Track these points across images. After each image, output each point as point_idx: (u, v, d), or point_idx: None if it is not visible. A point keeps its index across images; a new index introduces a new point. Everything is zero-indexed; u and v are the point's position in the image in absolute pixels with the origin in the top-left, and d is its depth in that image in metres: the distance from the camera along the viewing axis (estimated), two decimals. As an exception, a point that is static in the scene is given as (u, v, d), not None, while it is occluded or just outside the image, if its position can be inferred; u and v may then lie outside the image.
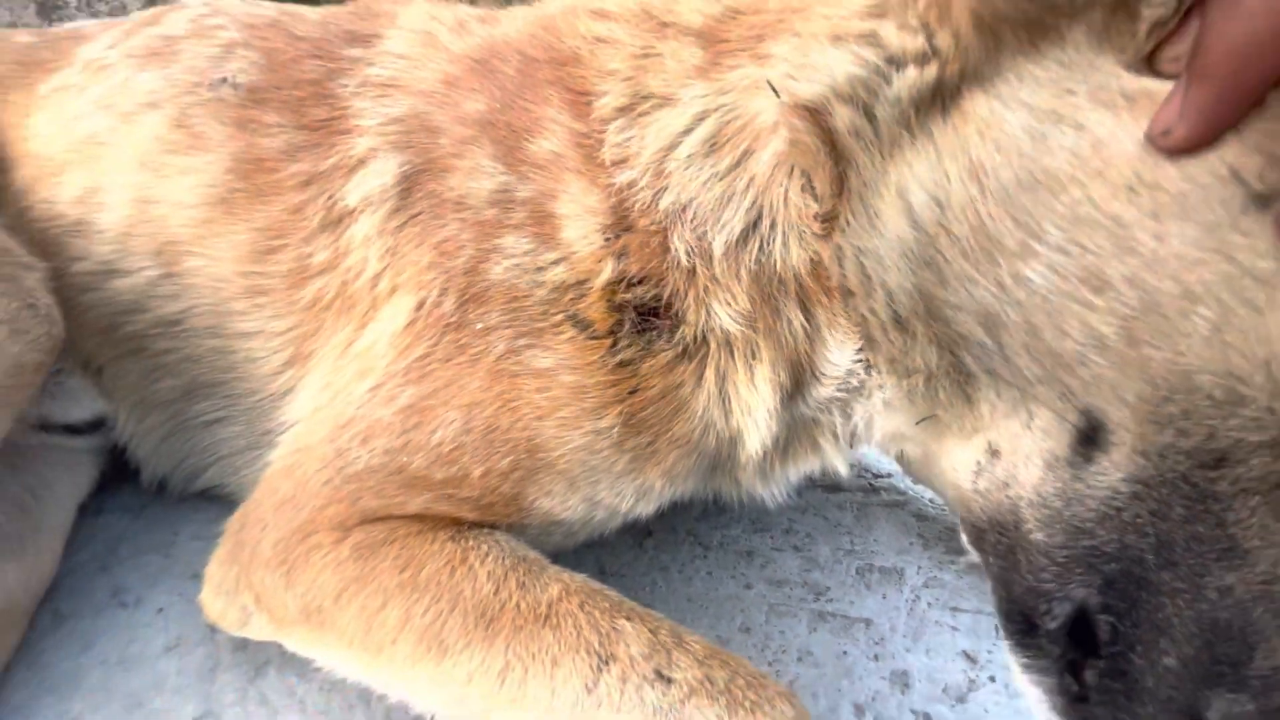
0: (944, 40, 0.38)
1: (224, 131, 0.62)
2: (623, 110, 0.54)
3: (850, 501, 0.86)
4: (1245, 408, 0.30)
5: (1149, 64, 0.33)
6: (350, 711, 0.55)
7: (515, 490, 0.54)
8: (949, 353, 0.42)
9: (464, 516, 0.54)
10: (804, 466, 0.61)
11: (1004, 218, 0.35)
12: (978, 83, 0.37)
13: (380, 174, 0.59)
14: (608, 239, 0.52)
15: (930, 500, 0.85)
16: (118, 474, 0.70)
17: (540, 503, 0.55)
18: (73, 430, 0.65)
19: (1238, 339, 0.30)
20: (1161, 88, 0.32)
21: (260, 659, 0.57)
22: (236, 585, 0.54)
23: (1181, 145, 0.31)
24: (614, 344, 0.52)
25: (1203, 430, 0.32)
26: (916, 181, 0.39)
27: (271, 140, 0.62)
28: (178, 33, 0.69)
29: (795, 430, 0.57)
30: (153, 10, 0.74)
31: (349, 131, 0.61)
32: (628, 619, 0.49)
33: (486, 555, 0.51)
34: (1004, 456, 0.41)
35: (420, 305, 0.55)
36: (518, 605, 0.48)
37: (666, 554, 0.74)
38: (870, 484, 0.89)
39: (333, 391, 0.58)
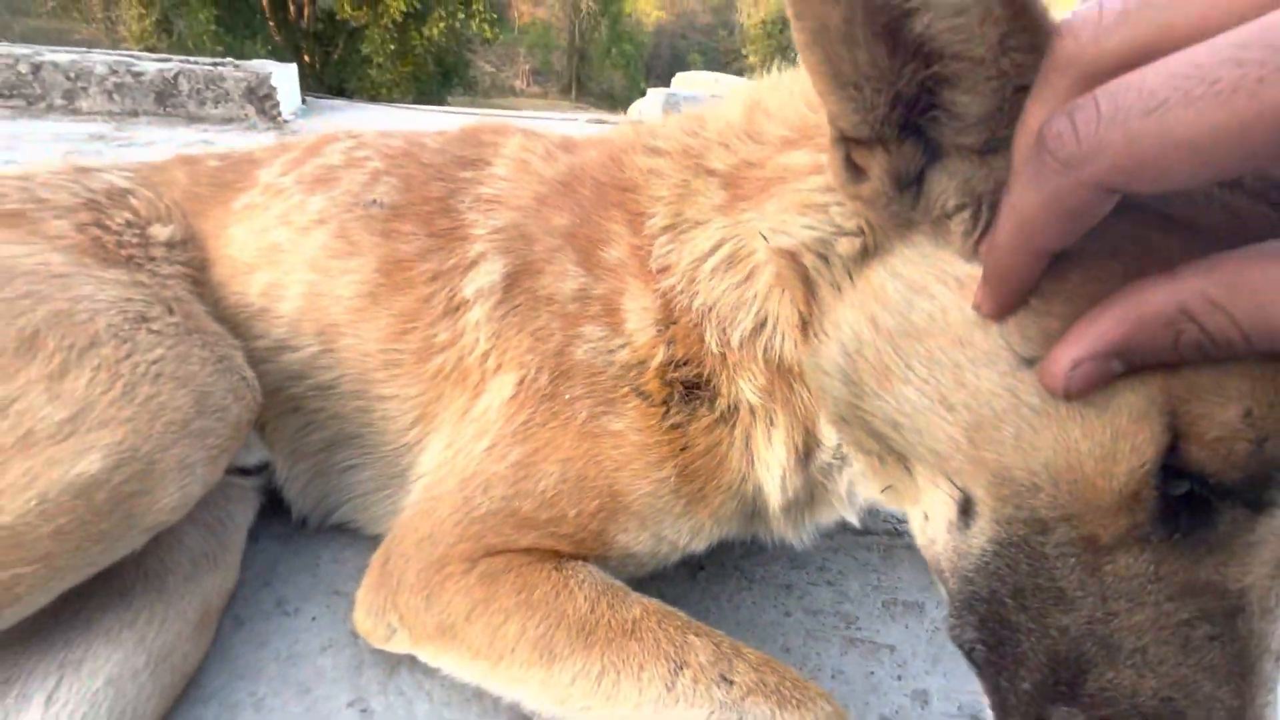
0: (863, 222, 0.52)
1: (372, 240, 0.79)
2: (666, 229, 0.68)
3: (877, 544, 0.97)
4: (1042, 492, 0.41)
5: (976, 252, 0.45)
6: (467, 704, 0.68)
7: (601, 528, 0.67)
8: (883, 442, 0.53)
9: (562, 550, 0.67)
10: (822, 517, 0.73)
11: (891, 354, 0.48)
12: (878, 255, 0.50)
13: (489, 273, 0.75)
14: (659, 330, 0.67)
15: (949, 543, 0.95)
16: (270, 509, 0.86)
17: (619, 538, 0.68)
18: (245, 472, 0.82)
19: (1028, 447, 0.41)
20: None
21: (394, 660, 0.70)
22: (384, 608, 0.67)
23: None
24: (667, 411, 0.66)
25: (1026, 507, 0.42)
26: (846, 319, 0.52)
27: (408, 245, 0.78)
28: (336, 163, 0.88)
29: (812, 486, 0.68)
30: (315, 139, 0.95)
31: (465, 238, 0.78)
32: (695, 634, 0.60)
33: (583, 582, 0.63)
34: (931, 520, 0.51)
35: (522, 380, 0.70)
36: (609, 622, 0.60)
37: (717, 585, 0.86)
38: (895, 528, 1.00)
39: (455, 449, 0.72)
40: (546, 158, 0.83)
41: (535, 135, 0.89)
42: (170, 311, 0.70)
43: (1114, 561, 0.41)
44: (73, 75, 2.66)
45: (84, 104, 2.70)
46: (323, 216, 0.82)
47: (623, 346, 0.68)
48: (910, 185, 0.46)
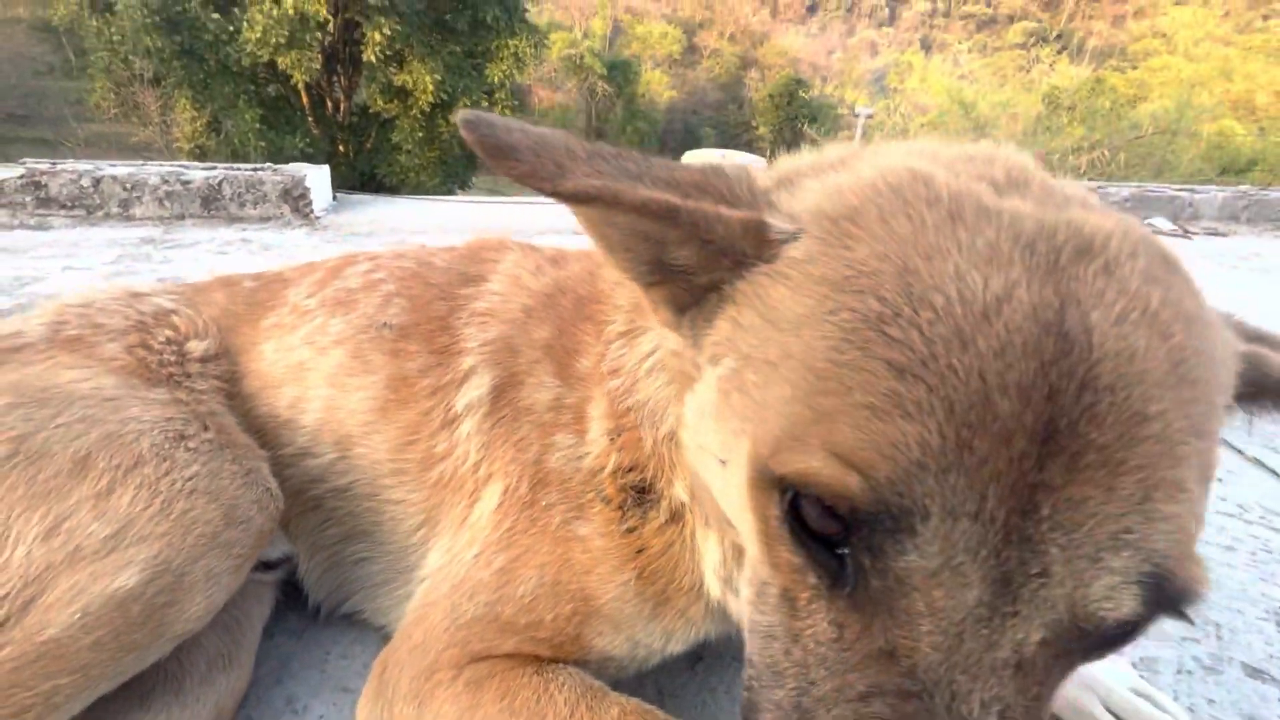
0: None
1: (382, 359, 0.87)
2: (622, 334, 0.73)
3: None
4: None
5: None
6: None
7: (577, 631, 0.70)
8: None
9: (543, 654, 0.70)
10: None
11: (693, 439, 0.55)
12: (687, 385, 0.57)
13: (478, 386, 0.81)
14: (611, 438, 0.71)
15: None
16: (286, 602, 0.91)
17: (595, 642, 0.70)
18: (267, 566, 0.87)
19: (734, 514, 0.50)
20: None
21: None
22: (382, 716, 0.70)
23: None
24: (623, 515, 0.70)
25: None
26: (687, 410, 0.57)
27: (412, 363, 0.86)
28: (354, 285, 0.97)
29: None
30: (337, 259, 1.05)
31: (460, 352, 0.85)
32: None
33: (563, 685, 0.65)
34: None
35: (506, 489, 0.75)
36: None
37: (715, 677, 0.88)
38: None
39: (450, 556, 0.77)
40: (536, 272, 0.91)
41: (531, 250, 0.98)
42: (205, 428, 0.78)
43: (809, 625, 0.41)
44: (129, 186, 2.94)
45: (137, 211, 2.97)
46: (340, 338, 0.90)
47: (587, 454, 0.73)
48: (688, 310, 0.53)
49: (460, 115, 0.45)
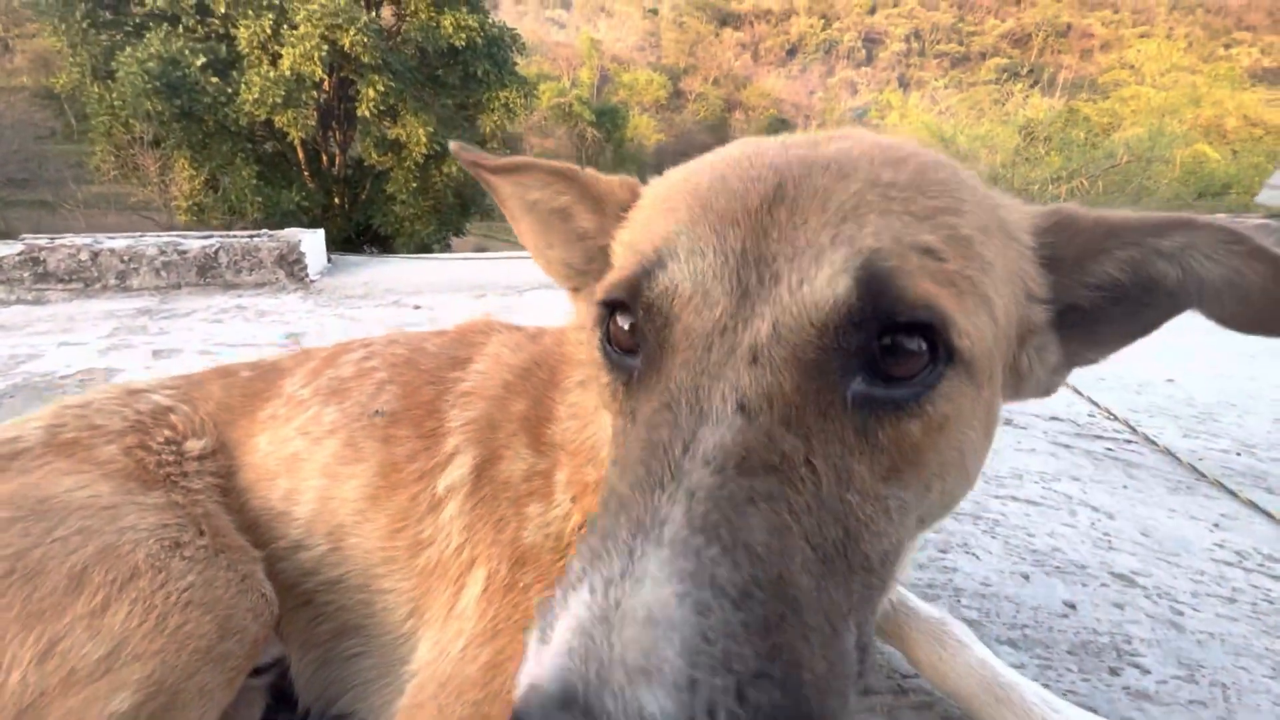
0: None
1: (374, 447, 0.88)
2: (580, 384, 0.77)
3: (880, 704, 0.96)
4: None
5: None
6: None
7: None
8: None
9: None
10: None
11: None
12: None
13: (461, 465, 0.83)
14: (574, 499, 0.73)
15: (954, 704, 0.94)
16: (276, 708, 0.90)
17: None
18: (257, 671, 0.86)
19: None
20: None
21: None
22: None
23: None
24: None
25: None
26: None
27: (401, 448, 0.87)
28: (348, 374, 0.99)
29: None
30: (332, 349, 1.07)
31: (445, 434, 0.86)
32: None
33: None
34: None
35: (489, 575, 0.76)
36: None
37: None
38: (899, 685, 0.99)
39: (438, 650, 0.76)
40: (516, 349, 0.93)
41: (513, 330, 1.01)
42: (201, 532, 0.78)
43: (625, 422, 0.50)
44: (127, 258, 2.99)
45: (135, 281, 3.01)
46: (334, 427, 0.91)
47: (555, 518, 0.74)
48: None
49: (451, 144, 0.76)
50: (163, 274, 3.10)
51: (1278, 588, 1.23)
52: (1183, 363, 2.51)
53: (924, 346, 0.44)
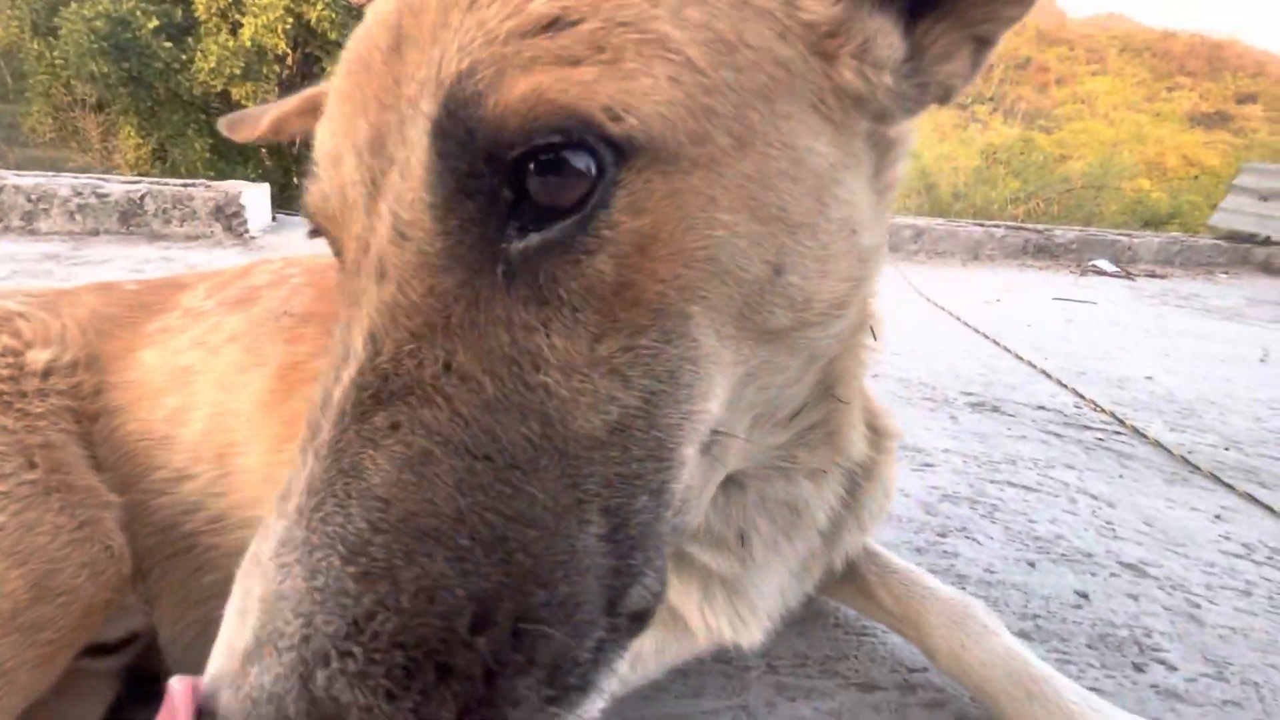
0: None
1: (277, 349, 0.72)
2: None
3: (887, 702, 0.82)
4: None
5: None
6: None
7: None
8: None
9: None
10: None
11: None
12: None
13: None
14: None
15: (970, 701, 0.81)
16: (136, 698, 0.70)
17: None
18: (103, 650, 0.67)
19: None
20: None
21: None
22: None
23: None
24: None
25: None
26: None
27: (305, 346, 0.72)
28: (261, 283, 0.81)
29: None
30: (250, 264, 0.88)
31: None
32: None
33: None
34: None
35: None
36: None
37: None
38: (905, 680, 0.86)
39: None
40: None
41: None
42: (31, 466, 0.59)
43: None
44: (35, 197, 2.65)
45: (43, 224, 2.67)
46: (235, 334, 0.75)
47: None
48: None
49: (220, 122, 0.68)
50: (77, 218, 2.76)
51: (1291, 581, 1.15)
52: (1159, 362, 2.49)
53: (582, 161, 0.32)
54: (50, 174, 2.84)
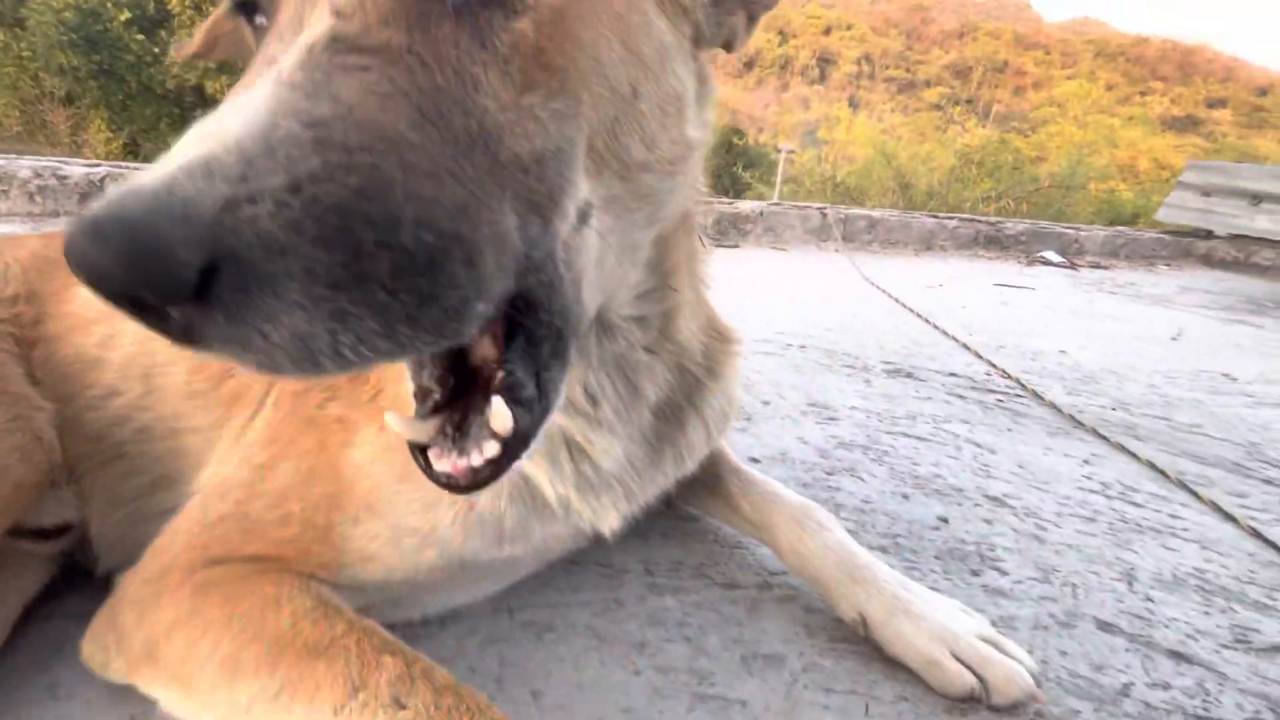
0: None
1: None
2: None
3: (744, 597, 0.94)
4: None
5: None
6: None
7: (327, 521, 0.63)
8: None
9: (289, 557, 0.62)
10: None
11: None
12: None
13: None
14: None
15: (818, 597, 0.93)
16: (67, 587, 0.80)
17: (350, 534, 0.63)
18: (42, 535, 0.76)
19: None
20: None
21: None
22: (105, 629, 0.62)
23: None
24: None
25: None
26: None
27: None
28: None
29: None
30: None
31: None
32: (391, 654, 0.56)
33: (294, 596, 0.58)
34: None
35: (284, 387, 0.71)
36: (305, 640, 0.55)
37: (563, 646, 0.81)
38: (765, 581, 0.97)
39: (220, 463, 0.71)
40: None
41: None
42: (-30, 371, 0.68)
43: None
44: (-4, 179, 2.70)
45: (2, 205, 2.71)
46: None
47: None
48: None
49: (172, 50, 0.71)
50: (37, 199, 2.80)
51: (1133, 511, 1.29)
52: (1076, 339, 2.66)
53: None
54: (11, 156, 2.88)
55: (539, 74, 0.44)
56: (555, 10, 0.45)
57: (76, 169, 2.80)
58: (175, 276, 0.29)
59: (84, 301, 0.84)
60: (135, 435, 0.78)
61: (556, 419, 0.67)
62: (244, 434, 0.72)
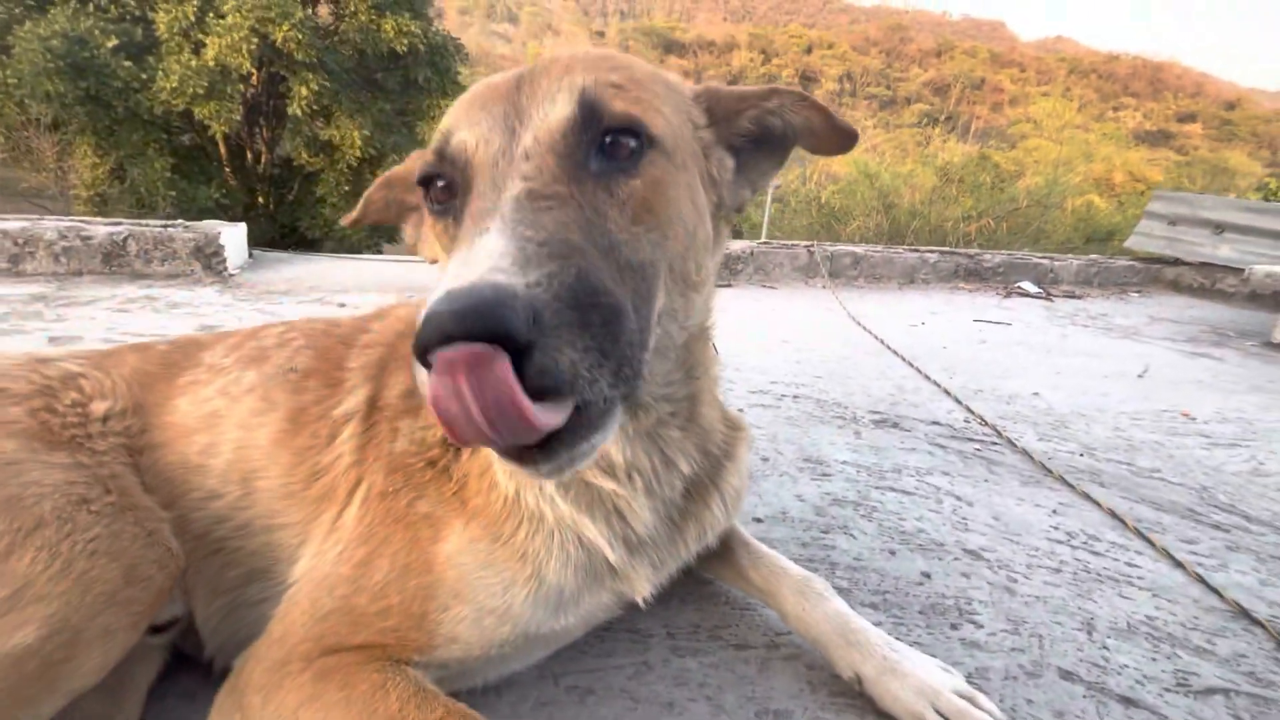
0: None
1: (286, 397, 0.96)
2: None
3: (755, 656, 1.08)
4: None
5: None
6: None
7: (422, 610, 0.76)
8: None
9: (390, 645, 0.75)
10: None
11: None
12: None
13: (356, 397, 0.94)
14: None
15: (819, 656, 1.07)
16: (179, 668, 0.92)
17: (441, 620, 0.76)
18: (156, 630, 0.89)
19: None
20: None
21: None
22: (231, 708, 0.74)
23: None
24: (449, 468, 0.82)
25: None
26: None
27: (310, 395, 0.96)
28: (269, 344, 1.04)
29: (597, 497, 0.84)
30: (256, 327, 1.11)
31: (347, 377, 0.97)
32: None
33: (399, 683, 0.71)
34: None
35: (370, 487, 0.85)
36: None
37: (605, 708, 0.95)
38: (772, 641, 1.12)
39: (316, 558, 0.83)
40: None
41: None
42: (107, 491, 0.81)
43: (450, 245, 0.72)
44: (21, 241, 2.80)
45: (29, 266, 2.81)
46: (252, 386, 0.98)
47: (423, 427, 0.85)
48: None
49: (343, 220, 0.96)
50: (62, 260, 2.90)
51: (1095, 561, 1.45)
52: (1049, 380, 2.85)
53: (631, 140, 0.66)
54: (35, 217, 2.98)
55: (644, 214, 0.65)
56: (655, 178, 0.67)
57: (99, 229, 2.91)
58: (523, 321, 0.46)
59: (184, 413, 0.97)
60: (234, 532, 0.90)
61: (603, 481, 0.81)
62: (334, 529, 0.84)
